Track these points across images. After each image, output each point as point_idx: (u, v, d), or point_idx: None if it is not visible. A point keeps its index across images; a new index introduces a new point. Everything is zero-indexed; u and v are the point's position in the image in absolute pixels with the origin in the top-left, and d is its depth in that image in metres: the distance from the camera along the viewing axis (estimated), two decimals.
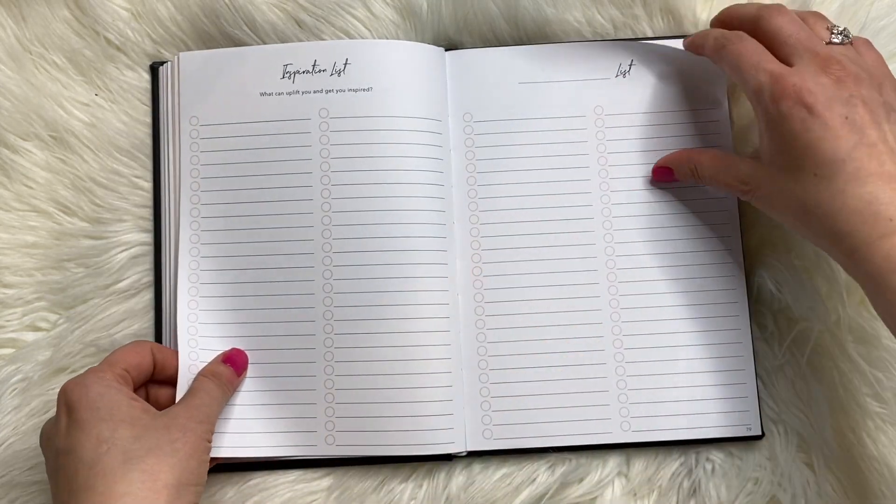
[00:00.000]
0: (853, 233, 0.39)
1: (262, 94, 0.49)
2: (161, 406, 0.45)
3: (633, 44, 0.50)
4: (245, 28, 0.50)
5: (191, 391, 0.44)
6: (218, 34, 0.51)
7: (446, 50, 0.50)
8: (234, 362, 0.46)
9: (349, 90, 0.48)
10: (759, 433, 0.48)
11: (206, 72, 0.49)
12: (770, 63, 0.42)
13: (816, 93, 0.40)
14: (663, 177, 0.49)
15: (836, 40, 0.43)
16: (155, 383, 0.46)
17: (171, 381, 0.46)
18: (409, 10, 0.51)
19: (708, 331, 0.48)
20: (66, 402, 0.41)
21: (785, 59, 0.42)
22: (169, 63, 0.50)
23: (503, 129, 0.50)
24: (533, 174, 0.49)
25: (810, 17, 0.44)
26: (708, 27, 0.51)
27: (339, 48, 0.49)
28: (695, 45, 0.47)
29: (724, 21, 0.47)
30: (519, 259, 0.49)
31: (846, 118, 0.40)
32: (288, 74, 0.49)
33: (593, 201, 0.49)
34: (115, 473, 0.38)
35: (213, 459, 0.45)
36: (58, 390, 0.48)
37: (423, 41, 0.50)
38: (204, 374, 0.45)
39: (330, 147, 0.48)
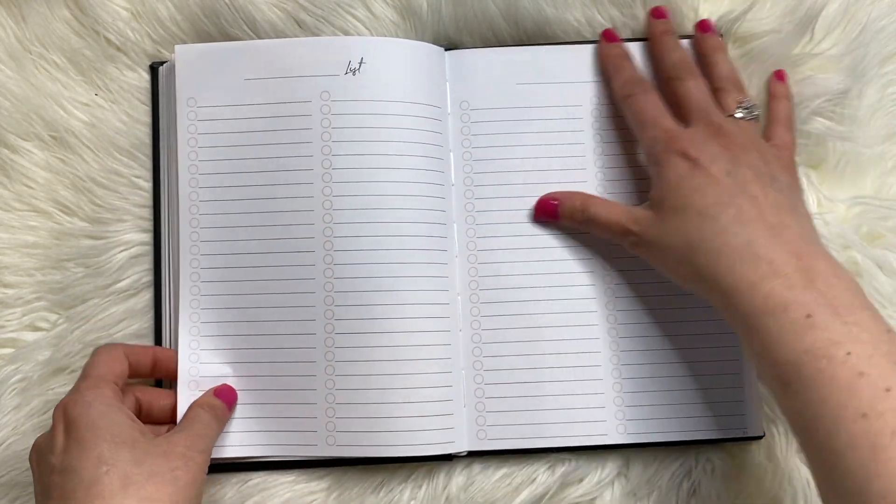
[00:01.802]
0: (732, 271, 0.40)
1: (262, 78, 0.48)
2: (153, 413, 0.45)
3: (631, 45, 0.50)
4: (245, 28, 0.50)
5: (189, 419, 0.44)
6: (218, 34, 0.51)
7: (446, 50, 0.50)
8: (227, 397, 0.46)
9: (350, 73, 0.48)
10: (760, 434, 0.48)
11: (204, 60, 0.49)
12: (666, 121, 0.45)
13: (701, 150, 0.43)
14: (546, 213, 0.49)
15: (738, 114, 0.46)
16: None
17: (148, 380, 0.47)
18: (409, 10, 0.51)
19: (708, 332, 0.48)
20: (66, 418, 0.40)
21: (683, 120, 0.46)
22: (169, 61, 0.50)
23: (501, 129, 0.50)
24: (530, 174, 0.49)
25: (728, 86, 0.47)
26: (718, 24, 0.51)
27: (341, 46, 0.48)
28: (604, 66, 0.50)
29: (651, 39, 0.50)
30: (515, 259, 0.49)
31: (728, 173, 0.42)
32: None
33: None
34: (115, 496, 0.38)
35: (213, 460, 0.45)
36: (58, 390, 0.48)
37: (423, 41, 0.50)
38: (200, 405, 0.45)
39: (331, 130, 0.48)
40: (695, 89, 0.46)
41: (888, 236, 0.50)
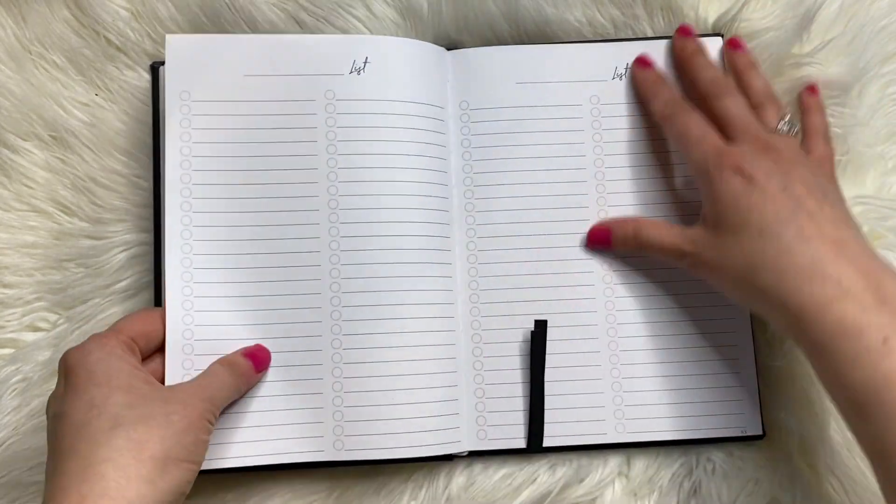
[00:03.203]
0: (800, 290, 0.39)
1: (263, 75, 0.47)
2: None
3: (629, 45, 0.50)
4: (245, 28, 0.50)
5: (203, 373, 0.44)
6: (218, 34, 0.50)
7: (447, 50, 0.50)
8: (256, 358, 0.45)
9: (354, 72, 0.48)
10: (760, 433, 0.48)
11: (199, 52, 0.47)
12: (713, 138, 0.45)
13: (755, 166, 0.42)
14: (598, 241, 0.49)
15: (783, 128, 0.45)
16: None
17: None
18: (409, 9, 0.51)
19: (708, 332, 0.48)
20: (65, 367, 0.41)
21: (728, 137, 0.45)
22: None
23: (501, 128, 0.50)
24: (529, 174, 0.49)
25: (766, 103, 0.47)
26: (711, 28, 0.51)
27: (345, 44, 0.48)
28: (642, 88, 0.49)
29: (681, 61, 0.49)
30: (514, 259, 0.49)
31: (784, 188, 0.42)
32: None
33: (589, 202, 0.49)
34: (100, 438, 0.37)
35: (218, 466, 0.45)
36: None
37: (423, 41, 0.50)
38: (220, 361, 0.45)
39: (336, 130, 0.47)
40: (735, 106, 0.45)
41: (888, 236, 0.50)
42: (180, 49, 0.47)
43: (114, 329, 0.43)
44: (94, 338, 0.42)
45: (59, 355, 0.48)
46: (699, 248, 0.44)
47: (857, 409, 0.38)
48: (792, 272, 0.40)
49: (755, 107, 0.47)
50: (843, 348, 0.38)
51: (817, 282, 0.39)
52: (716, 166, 0.43)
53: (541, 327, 0.47)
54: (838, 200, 0.43)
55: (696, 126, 0.45)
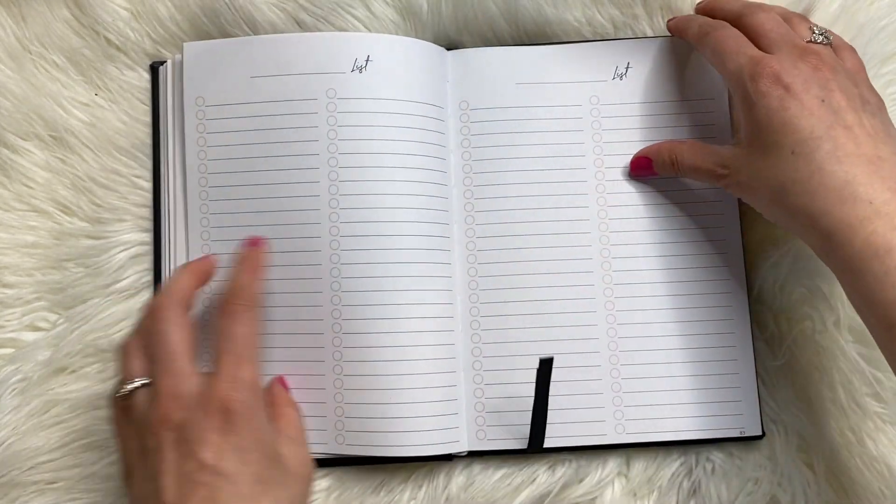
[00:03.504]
0: (831, 212, 0.39)
1: (268, 75, 0.48)
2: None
3: (631, 44, 0.50)
4: (245, 28, 0.50)
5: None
6: (218, 34, 0.50)
7: (447, 50, 0.50)
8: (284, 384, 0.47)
9: (356, 70, 0.48)
10: (760, 433, 0.48)
11: (211, 58, 0.49)
12: (750, 49, 0.43)
13: (794, 74, 0.41)
14: (641, 168, 0.49)
15: (817, 39, 0.44)
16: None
17: None
18: (409, 9, 0.51)
19: (708, 332, 0.48)
20: (226, 409, 0.39)
21: (765, 50, 0.44)
22: (169, 60, 0.50)
23: (500, 129, 0.50)
24: (529, 174, 0.49)
25: (794, 18, 0.46)
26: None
27: (347, 43, 0.48)
28: (678, 28, 0.49)
29: (708, 11, 0.49)
30: (514, 259, 0.49)
31: (822, 100, 0.41)
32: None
33: (589, 202, 0.49)
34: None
35: None
36: (58, 390, 0.48)
37: (423, 41, 0.50)
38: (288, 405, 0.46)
39: (338, 129, 0.47)
40: (768, 20, 0.44)
41: None
42: (196, 56, 0.48)
43: (249, 359, 0.41)
44: (253, 379, 0.41)
45: (59, 355, 0.48)
46: (733, 170, 0.44)
47: (887, 327, 0.38)
48: (822, 193, 0.39)
49: (785, 21, 0.45)
50: (872, 268, 0.38)
51: (848, 202, 0.39)
52: (752, 76, 0.42)
53: (546, 365, 0.45)
54: (878, 109, 0.42)
55: (731, 39, 0.44)
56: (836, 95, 0.41)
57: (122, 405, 0.41)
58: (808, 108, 0.40)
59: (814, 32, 0.44)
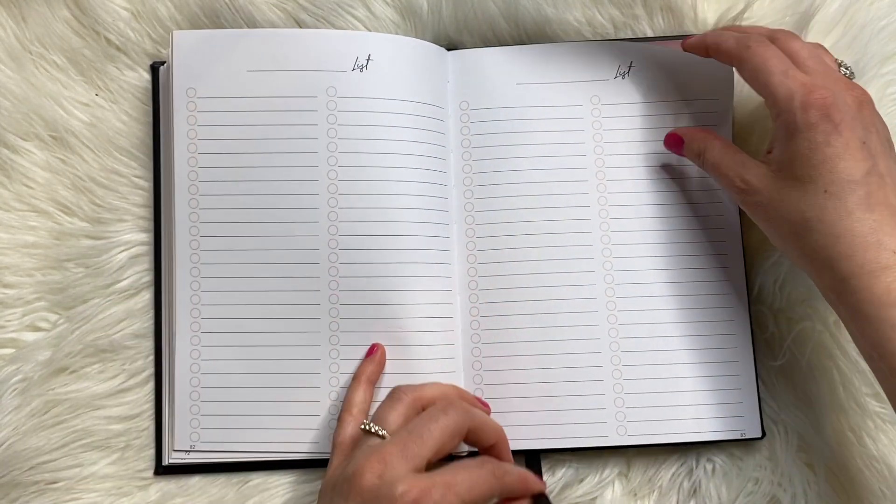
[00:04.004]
0: (853, 257, 0.39)
1: (265, 70, 0.48)
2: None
3: (632, 45, 0.50)
4: (245, 27, 0.50)
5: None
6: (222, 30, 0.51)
7: (447, 50, 0.50)
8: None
9: (357, 69, 0.48)
10: (759, 436, 0.48)
11: (204, 48, 0.48)
12: (797, 73, 0.42)
13: (844, 111, 0.40)
14: (672, 145, 0.48)
15: (844, 72, 0.44)
16: None
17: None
18: (409, 10, 0.51)
19: (708, 332, 0.48)
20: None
21: None
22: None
23: (501, 128, 0.50)
24: (530, 174, 0.49)
25: (818, 49, 0.45)
26: (711, 28, 0.51)
27: (348, 41, 0.48)
28: (702, 45, 0.46)
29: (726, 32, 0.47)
30: (514, 259, 0.49)
31: (864, 143, 0.40)
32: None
33: (590, 202, 0.49)
34: None
35: (216, 461, 0.45)
36: (58, 390, 0.48)
37: (423, 41, 0.50)
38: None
39: (338, 128, 0.47)
40: (804, 48, 0.43)
41: None
42: (186, 46, 0.48)
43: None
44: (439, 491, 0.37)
45: (60, 355, 0.48)
46: (754, 188, 0.43)
47: None
48: (848, 238, 0.39)
49: None
50: (890, 316, 0.38)
51: (872, 249, 0.39)
52: (804, 105, 0.40)
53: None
54: (892, 148, 0.42)
55: (777, 58, 0.42)
56: (874, 139, 0.41)
57: (351, 432, 0.42)
58: (850, 149, 0.40)
59: (840, 66, 0.44)
